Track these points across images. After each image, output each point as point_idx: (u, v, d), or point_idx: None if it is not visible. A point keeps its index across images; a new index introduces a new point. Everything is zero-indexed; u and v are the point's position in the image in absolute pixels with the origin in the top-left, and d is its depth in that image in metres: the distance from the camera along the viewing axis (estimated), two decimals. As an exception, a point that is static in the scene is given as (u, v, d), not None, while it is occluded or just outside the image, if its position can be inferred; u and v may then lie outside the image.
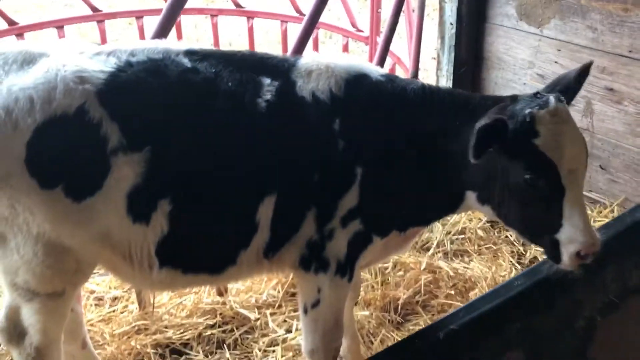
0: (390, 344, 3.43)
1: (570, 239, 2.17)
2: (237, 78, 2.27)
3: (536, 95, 2.22)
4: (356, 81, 2.39)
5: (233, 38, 8.14)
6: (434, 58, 5.59)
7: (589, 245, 2.16)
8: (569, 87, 2.32)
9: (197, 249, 2.41)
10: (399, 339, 3.42)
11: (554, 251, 2.24)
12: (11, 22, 4.90)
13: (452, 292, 3.76)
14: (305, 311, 2.60)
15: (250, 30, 6.21)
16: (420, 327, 3.51)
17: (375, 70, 2.49)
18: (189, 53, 2.28)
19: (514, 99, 2.29)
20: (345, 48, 6.26)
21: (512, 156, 2.17)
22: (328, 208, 2.37)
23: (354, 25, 6.21)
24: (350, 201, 2.36)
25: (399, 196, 2.43)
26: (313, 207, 2.37)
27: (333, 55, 2.50)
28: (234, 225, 2.37)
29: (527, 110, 2.13)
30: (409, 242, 2.81)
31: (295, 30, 6.78)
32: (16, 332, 2.39)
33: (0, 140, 2.03)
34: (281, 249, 2.46)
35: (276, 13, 6.59)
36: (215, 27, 5.87)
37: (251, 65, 2.34)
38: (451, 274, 3.89)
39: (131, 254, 2.31)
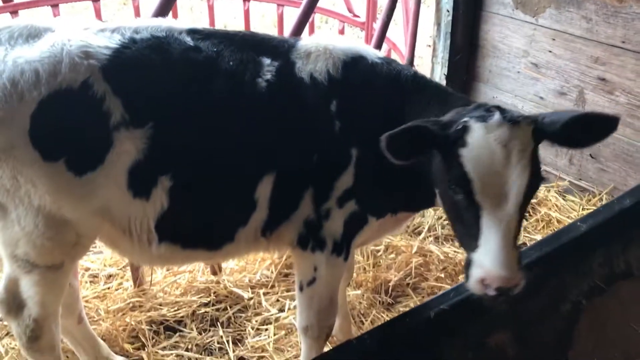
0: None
1: (478, 262, 2.04)
2: (238, 58, 2.30)
3: (499, 108, 2.11)
4: (353, 63, 2.42)
5: (228, 21, 8.12)
6: (429, 45, 5.62)
7: (495, 277, 1.99)
8: (557, 129, 2.08)
9: (196, 225, 2.45)
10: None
11: (466, 270, 2.12)
12: (6, 0, 4.88)
13: (442, 275, 3.83)
14: (301, 288, 2.65)
15: (246, 13, 6.20)
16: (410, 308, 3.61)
17: (372, 53, 2.52)
18: (192, 32, 2.31)
19: (479, 106, 2.17)
20: (341, 33, 6.28)
21: (444, 162, 2.11)
22: (325, 188, 2.42)
23: (350, 10, 6.22)
24: (346, 182, 2.41)
25: (391, 179, 2.45)
26: (310, 186, 2.42)
27: (333, 37, 2.53)
28: (233, 203, 2.41)
29: (465, 118, 2.06)
30: (403, 223, 2.87)
31: (291, 15, 6.79)
32: (15, 304, 2.42)
33: (5, 111, 2.05)
34: (279, 227, 2.51)
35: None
36: (211, 9, 5.87)
37: (252, 45, 2.37)
38: (441, 257, 3.96)
39: (131, 229, 2.35)
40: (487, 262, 2.01)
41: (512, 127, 2.02)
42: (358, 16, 6.03)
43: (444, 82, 5.10)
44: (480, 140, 2.00)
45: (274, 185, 2.37)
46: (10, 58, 2.08)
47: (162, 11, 2.98)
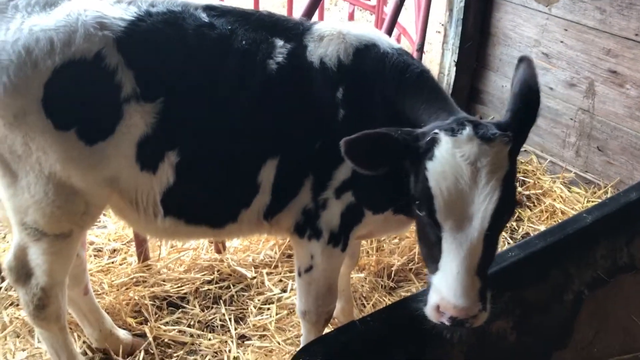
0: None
1: (435, 287, 1.92)
2: (251, 37, 2.28)
3: (476, 122, 1.96)
4: (365, 50, 2.36)
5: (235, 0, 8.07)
6: (439, 32, 5.58)
7: (449, 305, 1.86)
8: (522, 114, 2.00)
9: (200, 202, 2.46)
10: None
11: (425, 292, 2.01)
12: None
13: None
14: (299, 274, 2.66)
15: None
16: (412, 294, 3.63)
17: (386, 42, 2.44)
18: (208, 8, 2.30)
19: (458, 119, 2.02)
20: (351, 16, 6.24)
21: (412, 174, 2.01)
22: (324, 177, 2.39)
23: (362, -7, 6.17)
24: (345, 173, 2.37)
25: (387, 178, 2.24)
26: (310, 174, 2.40)
27: (349, 23, 2.49)
28: (237, 184, 2.41)
29: (436, 130, 1.93)
30: (407, 225, 2.77)
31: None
32: (23, 272, 2.45)
33: (19, 78, 2.06)
34: (279, 213, 2.50)
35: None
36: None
37: (267, 25, 2.35)
38: (445, 244, 3.96)
39: (137, 201, 2.37)
40: (443, 288, 1.89)
41: (484, 144, 1.86)
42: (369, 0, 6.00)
43: (453, 69, 5.09)
44: (445, 155, 1.87)
45: (276, 170, 2.36)
46: (27, 26, 2.08)
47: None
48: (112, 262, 3.67)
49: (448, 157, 1.86)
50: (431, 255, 1.99)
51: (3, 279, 3.40)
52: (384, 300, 3.59)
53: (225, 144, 2.32)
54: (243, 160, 2.36)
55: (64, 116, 2.13)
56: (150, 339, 3.19)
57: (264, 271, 3.73)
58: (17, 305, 3.27)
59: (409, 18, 5.24)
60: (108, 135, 2.17)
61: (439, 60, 5.17)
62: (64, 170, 2.20)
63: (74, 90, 2.12)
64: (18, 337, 3.15)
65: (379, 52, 2.36)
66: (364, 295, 3.64)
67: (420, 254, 2.15)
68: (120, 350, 3.10)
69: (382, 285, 3.71)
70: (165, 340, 3.25)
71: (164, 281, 3.59)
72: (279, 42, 2.31)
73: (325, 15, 6.55)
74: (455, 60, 4.97)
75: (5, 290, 3.37)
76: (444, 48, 5.09)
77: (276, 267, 3.78)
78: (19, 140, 2.14)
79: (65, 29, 2.08)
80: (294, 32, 2.37)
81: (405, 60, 2.37)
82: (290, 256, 3.84)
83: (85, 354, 3.13)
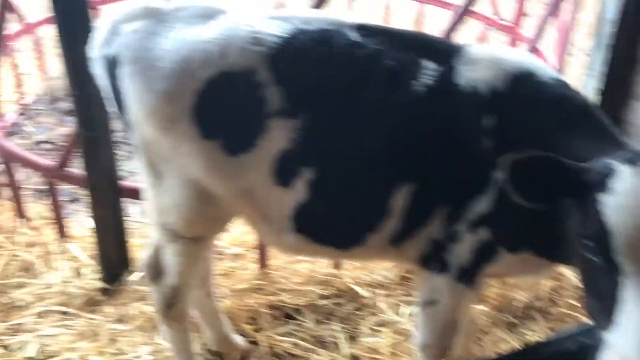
0: (501, 344, 3.33)
1: (613, 346, 1.67)
2: (399, 58, 2.22)
3: None
4: (521, 78, 2.19)
5: (367, 17, 8.10)
6: (572, 54, 5.28)
7: None
8: None
9: (330, 222, 2.43)
10: (512, 341, 3.33)
11: (597, 350, 1.76)
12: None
13: (575, 303, 3.56)
14: (422, 307, 2.55)
15: (386, 9, 6.19)
16: (535, 334, 3.39)
17: (545, 71, 2.26)
18: (360, 28, 2.26)
19: (631, 151, 1.87)
20: (483, 36, 6.07)
21: (578, 210, 1.82)
22: (459, 208, 2.25)
23: (496, 13, 6.00)
24: (483, 205, 2.21)
25: (532, 215, 2.05)
26: (444, 204, 2.28)
27: (503, 47, 2.37)
28: (368, 207, 2.35)
29: (610, 161, 1.76)
30: (546, 269, 2.58)
31: (432, 13, 6.65)
32: (157, 270, 2.57)
33: (175, 86, 2.15)
34: (407, 240, 2.40)
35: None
36: (350, 3, 5.91)
37: (417, 46, 2.28)
38: (575, 283, 3.69)
39: (269, 214, 2.39)
40: (626, 347, 1.64)
41: None
42: (504, 19, 5.81)
43: (596, 97, 4.76)
44: (628, 186, 1.70)
45: (409, 196, 2.27)
46: (187, 36, 2.17)
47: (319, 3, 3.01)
48: (233, 267, 3.75)
49: (632, 188, 1.70)
50: (603, 305, 1.76)
51: (132, 273, 3.59)
52: (504, 337, 3.39)
53: (361, 165, 2.27)
54: (377, 182, 2.29)
55: (211, 126, 2.20)
56: (264, 348, 3.22)
57: (380, 292, 3.65)
58: (145, 300, 3.43)
59: (546, 38, 4.99)
60: (250, 147, 2.21)
61: (580, 86, 4.85)
62: (205, 178, 2.27)
63: (223, 102, 2.18)
64: (143, 331, 3.29)
65: (537, 82, 2.19)
66: (483, 328, 3.46)
67: (585, 304, 1.92)
68: (235, 356, 3.15)
69: (503, 321, 3.50)
70: (277, 350, 3.27)
71: (280, 291, 3.61)
72: (428, 64, 2.22)
73: (455, 35, 6.44)
74: (601, 88, 4.64)
75: (135, 285, 3.54)
76: (587, 74, 4.77)
77: (393, 289, 3.69)
78: (168, 145, 2.24)
79: (222, 42, 2.15)
80: (444, 54, 2.27)
81: (566, 92, 2.19)
82: (407, 279, 3.74)
83: (202, 355, 3.20)
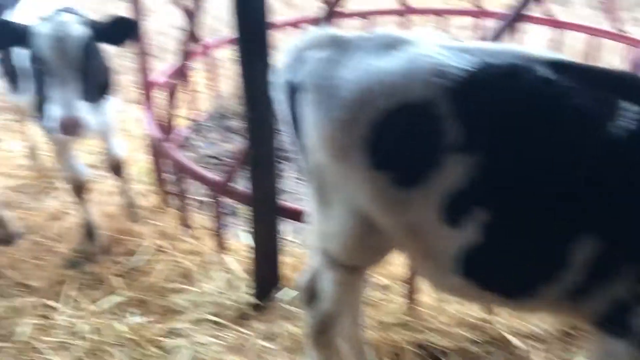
0: None
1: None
2: (592, 97, 2.04)
3: None
4: None
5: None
6: None
7: None
8: None
9: (499, 268, 2.26)
10: None
11: None
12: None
13: None
14: None
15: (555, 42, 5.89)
16: None
17: None
18: (550, 63, 2.12)
19: None
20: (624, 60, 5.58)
21: None
22: None
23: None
24: None
25: None
26: (633, 260, 2.04)
27: None
28: (543, 255, 2.16)
29: None
30: None
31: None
32: (313, 295, 2.57)
33: (353, 114, 2.15)
34: (584, 296, 2.17)
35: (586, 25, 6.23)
36: (512, 35, 5.72)
37: (613, 84, 2.09)
38: None
39: (434, 252, 2.28)
40: None
41: None
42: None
43: None
44: None
45: (594, 248, 2.05)
46: (369, 66, 2.16)
47: (498, 35, 2.89)
48: (381, 299, 3.68)
49: None
50: None
51: (281, 290, 3.65)
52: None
53: (540, 209, 2.10)
54: (556, 230, 2.10)
55: (384, 157, 2.16)
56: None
57: (535, 344, 3.38)
58: (292, 320, 3.46)
59: None
60: (421, 181, 2.14)
61: None
62: (372, 209, 2.24)
63: (399, 134, 2.14)
64: (289, 352, 3.32)
65: None
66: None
67: None
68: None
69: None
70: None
71: (427, 329, 3.48)
72: (627, 105, 2.02)
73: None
74: None
75: (284, 303, 3.60)
76: None
77: (549, 342, 3.40)
78: (339, 173, 2.23)
79: (406, 73, 2.11)
80: None
81: None
82: (568, 334, 3.43)
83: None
